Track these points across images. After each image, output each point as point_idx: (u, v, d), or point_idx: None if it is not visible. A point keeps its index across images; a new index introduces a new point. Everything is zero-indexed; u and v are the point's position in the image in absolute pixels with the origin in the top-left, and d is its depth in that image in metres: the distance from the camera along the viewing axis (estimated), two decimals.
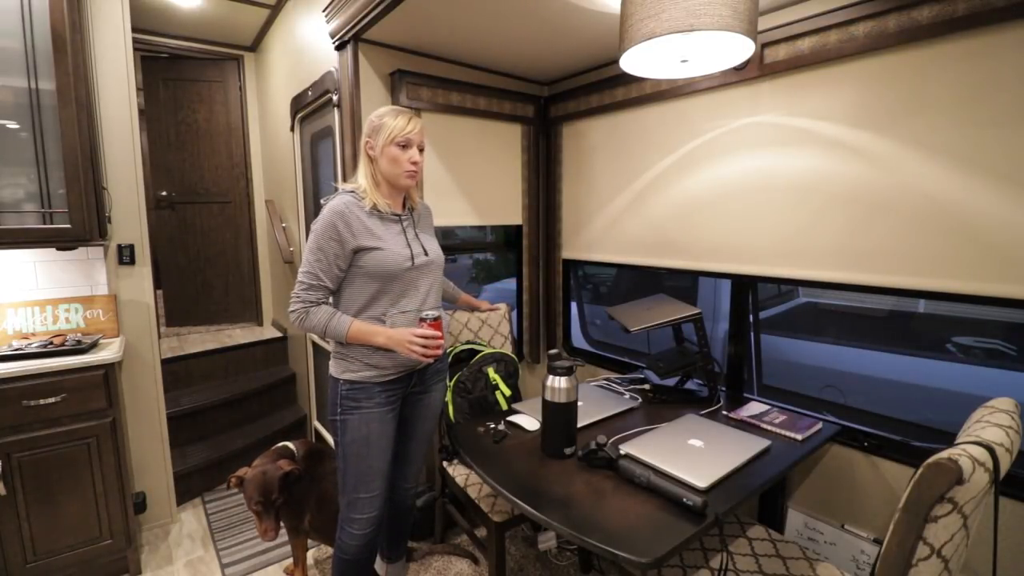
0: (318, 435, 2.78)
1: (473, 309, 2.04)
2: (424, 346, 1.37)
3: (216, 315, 3.60)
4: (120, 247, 2.08)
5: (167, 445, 2.24)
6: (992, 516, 0.91)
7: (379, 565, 1.80)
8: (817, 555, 1.31)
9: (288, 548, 1.97)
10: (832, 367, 2.81)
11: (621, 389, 1.88)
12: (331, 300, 1.44)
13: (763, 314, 2.84)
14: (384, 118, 1.41)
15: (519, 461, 1.36)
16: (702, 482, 1.18)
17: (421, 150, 1.43)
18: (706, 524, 1.06)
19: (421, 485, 2.21)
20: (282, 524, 1.78)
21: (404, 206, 1.51)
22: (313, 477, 1.77)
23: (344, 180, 2.02)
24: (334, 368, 1.46)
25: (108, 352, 1.81)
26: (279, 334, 3.32)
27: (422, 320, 1.41)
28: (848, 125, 1.46)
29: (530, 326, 2.60)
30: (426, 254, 1.47)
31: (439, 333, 1.40)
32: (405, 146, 1.40)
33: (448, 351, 1.98)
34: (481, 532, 1.90)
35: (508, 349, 2.20)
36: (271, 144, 3.26)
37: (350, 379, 1.43)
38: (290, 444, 1.81)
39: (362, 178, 1.43)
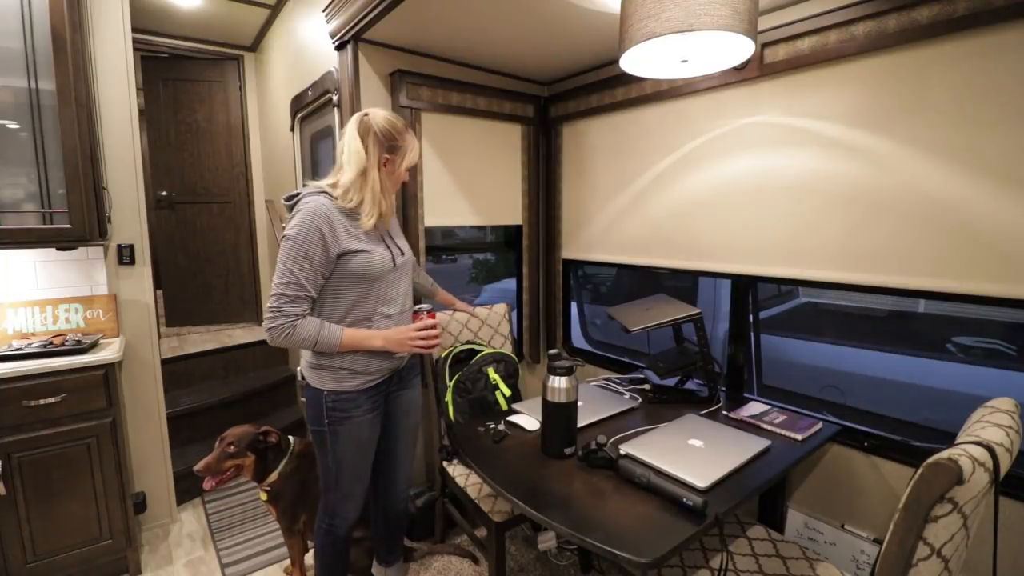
0: None
1: (453, 309, 2.00)
2: (424, 338, 1.39)
3: (216, 315, 3.60)
4: (120, 247, 2.08)
5: (167, 445, 2.24)
6: (992, 516, 0.91)
7: (376, 569, 1.79)
8: (817, 555, 1.31)
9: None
10: (832, 367, 2.82)
11: (621, 389, 1.88)
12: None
13: (763, 314, 2.84)
14: (405, 138, 1.38)
15: (519, 461, 1.36)
16: (702, 482, 1.18)
17: None
18: (706, 524, 1.06)
19: (421, 485, 2.21)
20: (279, 525, 1.79)
21: None
22: (308, 478, 1.77)
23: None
24: (315, 379, 1.40)
25: (108, 352, 1.81)
26: None
27: (416, 313, 1.42)
28: (848, 125, 1.46)
29: (530, 326, 2.60)
30: (403, 254, 1.47)
31: (436, 322, 1.43)
32: (410, 168, 1.43)
33: (448, 351, 1.98)
34: (481, 532, 1.90)
35: (508, 349, 2.20)
36: (271, 144, 3.26)
37: (335, 389, 1.39)
38: (292, 437, 1.82)
39: (365, 193, 1.34)
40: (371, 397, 1.45)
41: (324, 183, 1.38)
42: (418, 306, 1.44)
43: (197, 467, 1.61)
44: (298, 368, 1.51)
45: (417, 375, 1.66)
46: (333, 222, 1.30)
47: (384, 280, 1.40)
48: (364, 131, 1.35)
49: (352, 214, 1.35)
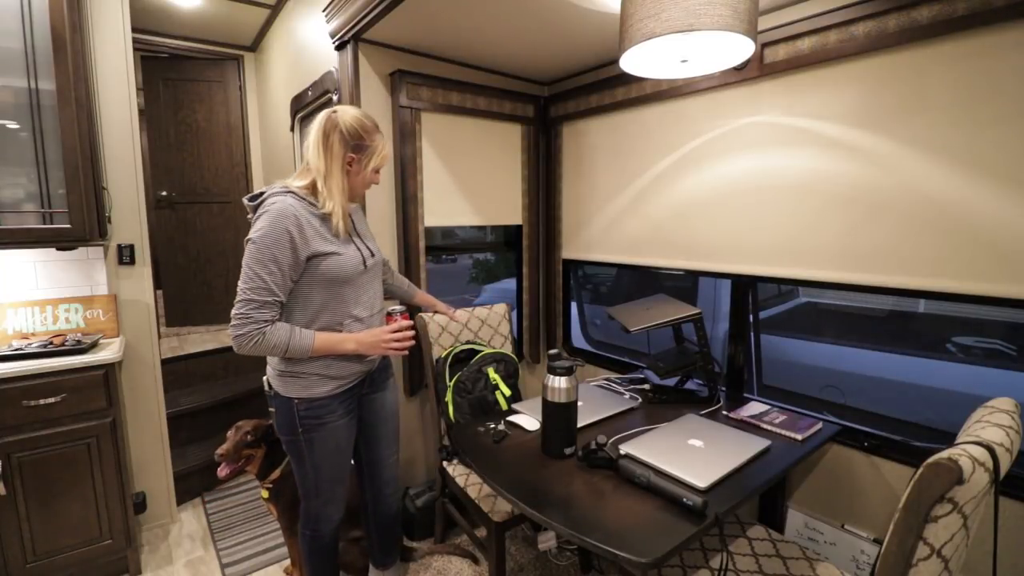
0: None
1: (433, 311, 1.93)
2: (399, 340, 1.38)
3: (216, 315, 3.60)
4: (120, 247, 2.08)
5: (167, 445, 2.24)
6: (992, 516, 0.91)
7: (373, 572, 1.78)
8: (817, 555, 1.31)
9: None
10: (832, 367, 2.82)
11: (621, 389, 1.88)
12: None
13: (763, 314, 2.84)
14: (374, 138, 1.34)
15: (519, 461, 1.36)
16: (702, 482, 1.18)
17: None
18: (706, 524, 1.06)
19: (421, 485, 2.21)
20: (279, 524, 1.79)
21: None
22: None
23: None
24: (284, 388, 1.35)
25: (108, 352, 1.81)
26: None
27: (389, 315, 1.41)
28: (848, 125, 1.46)
29: (530, 326, 2.60)
30: (373, 255, 1.43)
31: (410, 323, 1.43)
32: (378, 170, 1.39)
33: (448, 351, 1.98)
34: (481, 532, 1.90)
35: (508, 349, 2.20)
36: (271, 144, 3.26)
37: (307, 397, 1.35)
38: None
39: (327, 192, 1.30)
40: (344, 401, 1.42)
41: (291, 182, 1.33)
42: (391, 307, 1.42)
43: (218, 451, 1.61)
44: (264, 377, 1.43)
45: (390, 376, 1.62)
46: (302, 223, 1.25)
47: (355, 283, 1.36)
48: (330, 128, 1.30)
49: (320, 215, 1.31)
